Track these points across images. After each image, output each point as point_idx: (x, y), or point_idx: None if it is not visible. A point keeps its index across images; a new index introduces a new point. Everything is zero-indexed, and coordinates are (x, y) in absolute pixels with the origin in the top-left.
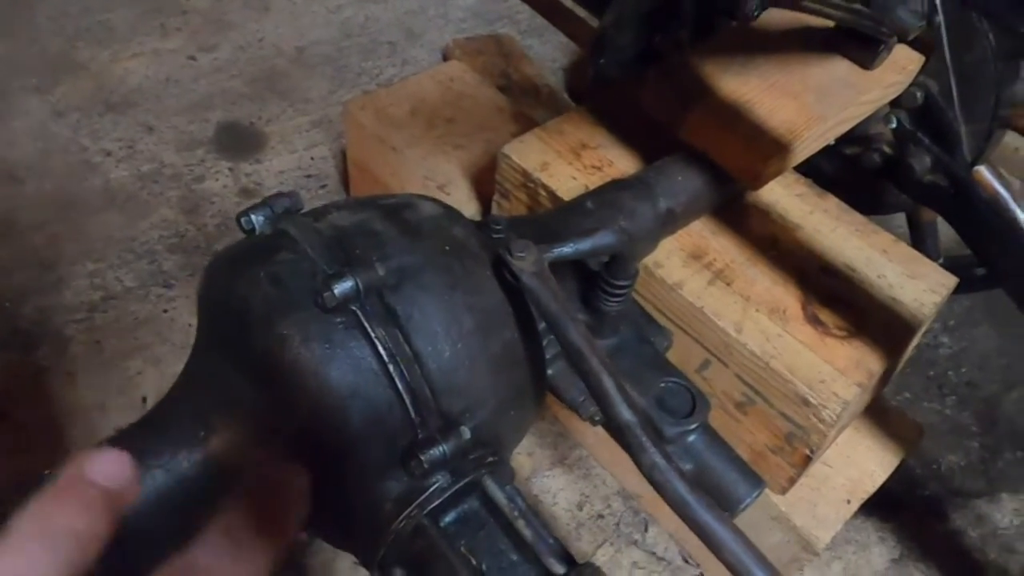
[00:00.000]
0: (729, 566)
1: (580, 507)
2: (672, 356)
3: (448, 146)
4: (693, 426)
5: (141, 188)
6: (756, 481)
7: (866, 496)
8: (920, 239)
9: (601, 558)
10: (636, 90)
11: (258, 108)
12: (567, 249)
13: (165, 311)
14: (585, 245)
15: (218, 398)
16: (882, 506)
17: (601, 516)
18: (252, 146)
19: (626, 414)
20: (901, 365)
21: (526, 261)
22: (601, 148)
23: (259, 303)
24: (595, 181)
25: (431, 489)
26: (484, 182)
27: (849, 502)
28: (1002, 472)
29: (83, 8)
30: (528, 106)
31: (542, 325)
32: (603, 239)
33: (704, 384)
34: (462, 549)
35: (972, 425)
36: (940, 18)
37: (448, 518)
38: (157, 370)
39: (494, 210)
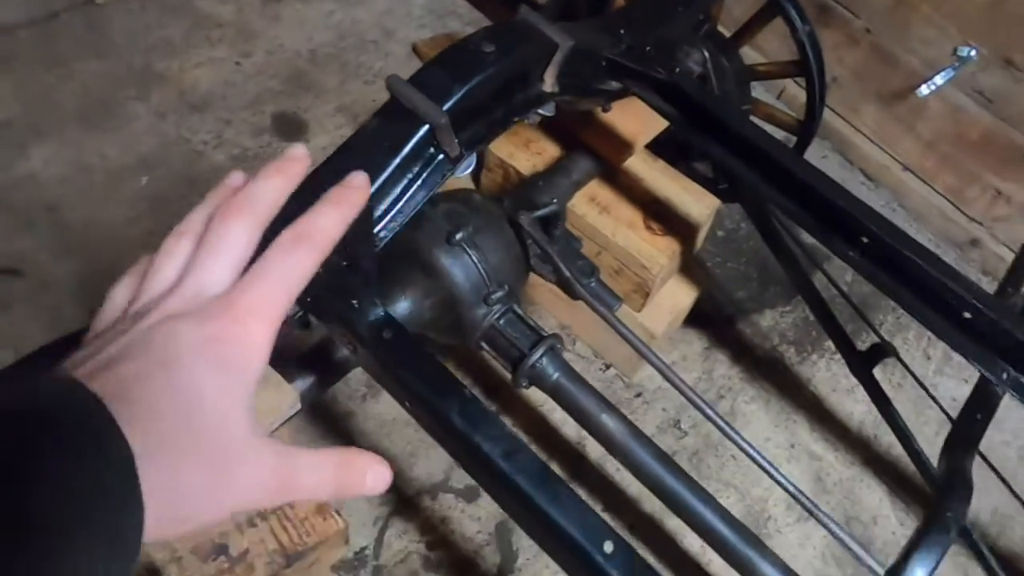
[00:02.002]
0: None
1: None
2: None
3: None
4: (593, 280)
5: (236, 167)
6: (619, 298)
7: (681, 312)
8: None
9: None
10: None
11: (295, 101)
12: (539, 213)
13: None
14: (547, 211)
15: (406, 281)
16: (700, 320)
17: None
18: (299, 129)
19: (576, 285)
20: (703, 243)
21: (525, 220)
22: (538, 142)
23: (424, 241)
24: (539, 160)
25: (495, 309)
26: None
27: (671, 314)
28: (767, 299)
29: (144, 26)
30: None
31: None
32: (552, 208)
33: (597, 261)
34: (509, 331)
35: (753, 272)
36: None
37: (502, 321)
38: None
39: (483, 177)
